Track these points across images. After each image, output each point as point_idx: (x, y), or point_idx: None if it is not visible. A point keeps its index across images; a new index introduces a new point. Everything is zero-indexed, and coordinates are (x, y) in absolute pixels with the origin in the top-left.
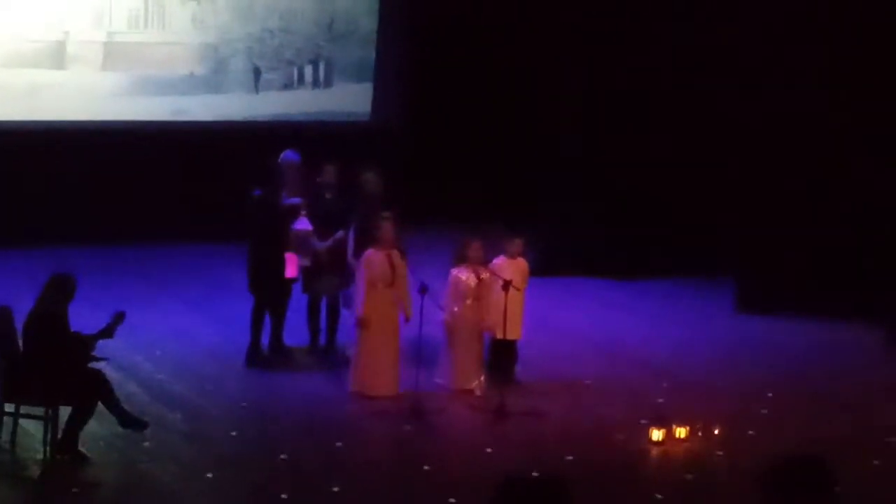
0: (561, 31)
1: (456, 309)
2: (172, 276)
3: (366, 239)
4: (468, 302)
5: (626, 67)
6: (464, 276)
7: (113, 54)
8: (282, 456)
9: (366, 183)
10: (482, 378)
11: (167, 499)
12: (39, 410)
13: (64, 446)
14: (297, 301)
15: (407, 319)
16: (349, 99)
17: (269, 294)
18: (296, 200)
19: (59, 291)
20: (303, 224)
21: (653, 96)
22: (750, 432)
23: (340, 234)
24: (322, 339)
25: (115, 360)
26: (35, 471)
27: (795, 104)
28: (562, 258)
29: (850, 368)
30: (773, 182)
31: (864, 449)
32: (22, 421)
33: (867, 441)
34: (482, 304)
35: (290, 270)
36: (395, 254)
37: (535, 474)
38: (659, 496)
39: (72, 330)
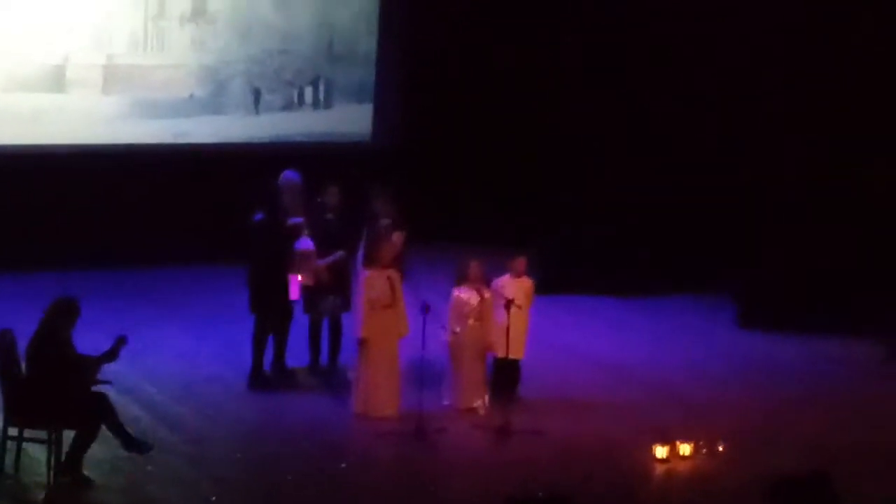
0: (563, 51)
1: (458, 329)
2: (174, 298)
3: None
4: (471, 322)
5: (628, 86)
6: (465, 296)
7: (113, 77)
8: (286, 478)
9: (383, 204)
10: (486, 397)
11: None
12: (43, 434)
13: (68, 470)
14: (299, 322)
15: (401, 336)
16: (349, 119)
17: (272, 315)
18: (297, 220)
19: (63, 315)
20: (305, 244)
21: (653, 116)
22: (754, 448)
23: (341, 253)
24: (324, 360)
25: (119, 383)
26: (39, 494)
27: (794, 119)
28: (563, 277)
29: (852, 383)
30: (773, 198)
31: (868, 463)
32: (25, 445)
33: (871, 455)
34: (485, 324)
35: (294, 292)
36: (394, 274)
37: (539, 494)
38: None
39: (76, 353)
